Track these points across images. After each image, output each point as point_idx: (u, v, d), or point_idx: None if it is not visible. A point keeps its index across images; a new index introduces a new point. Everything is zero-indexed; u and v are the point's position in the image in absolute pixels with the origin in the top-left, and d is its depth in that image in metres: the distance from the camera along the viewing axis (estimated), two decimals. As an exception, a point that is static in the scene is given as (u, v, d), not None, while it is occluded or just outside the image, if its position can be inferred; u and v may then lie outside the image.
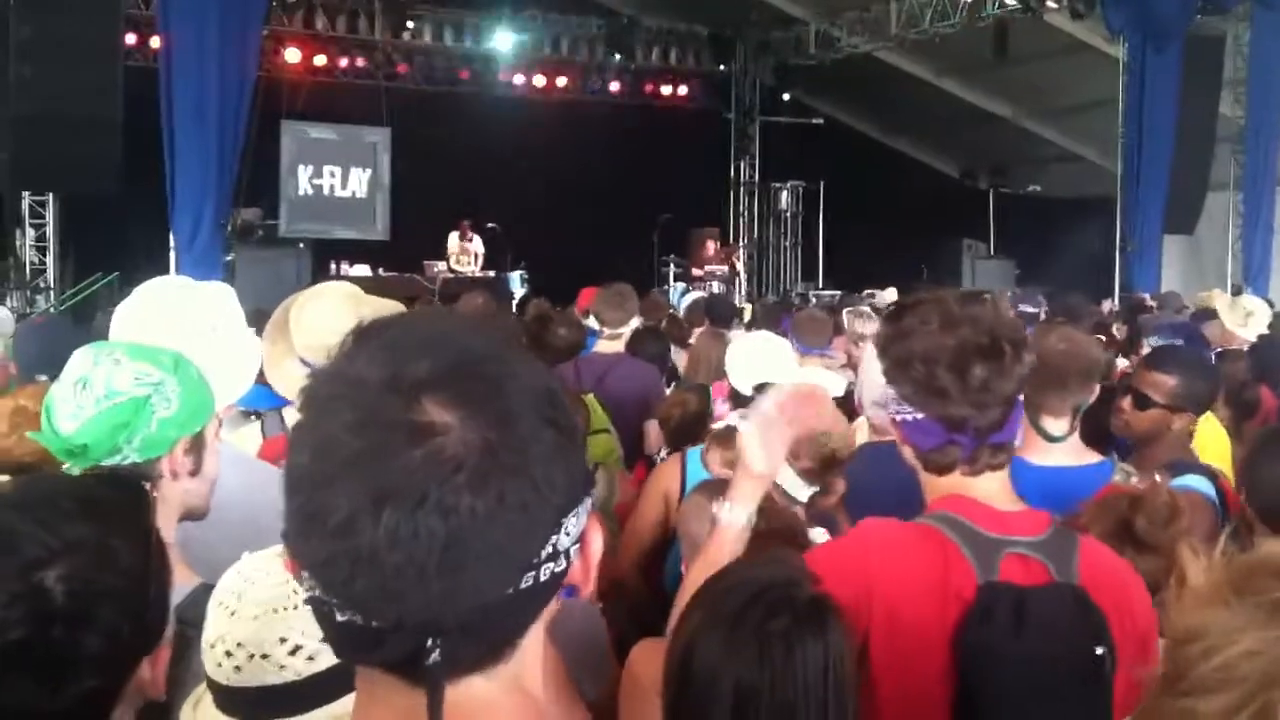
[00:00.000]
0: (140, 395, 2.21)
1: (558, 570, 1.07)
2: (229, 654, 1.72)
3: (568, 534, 1.08)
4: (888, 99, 22.39)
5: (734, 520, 2.33)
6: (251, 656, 1.71)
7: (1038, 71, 19.23)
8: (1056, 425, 3.30)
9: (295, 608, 1.72)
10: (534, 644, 1.12)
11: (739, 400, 4.39)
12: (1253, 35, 16.72)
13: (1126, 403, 3.88)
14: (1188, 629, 1.12)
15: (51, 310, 13.34)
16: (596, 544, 1.13)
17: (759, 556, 2.21)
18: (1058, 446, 3.34)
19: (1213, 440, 4.54)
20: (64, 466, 2.19)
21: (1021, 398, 2.23)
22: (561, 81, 21.11)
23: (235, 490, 2.44)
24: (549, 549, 1.06)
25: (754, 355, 4.58)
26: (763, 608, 1.86)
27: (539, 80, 20.88)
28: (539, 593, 1.07)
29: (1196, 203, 17.14)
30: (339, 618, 1.03)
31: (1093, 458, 3.45)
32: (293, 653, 1.70)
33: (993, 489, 2.23)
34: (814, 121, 22.45)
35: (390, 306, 3.77)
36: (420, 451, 0.98)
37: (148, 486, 2.20)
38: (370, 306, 3.62)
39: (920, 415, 2.21)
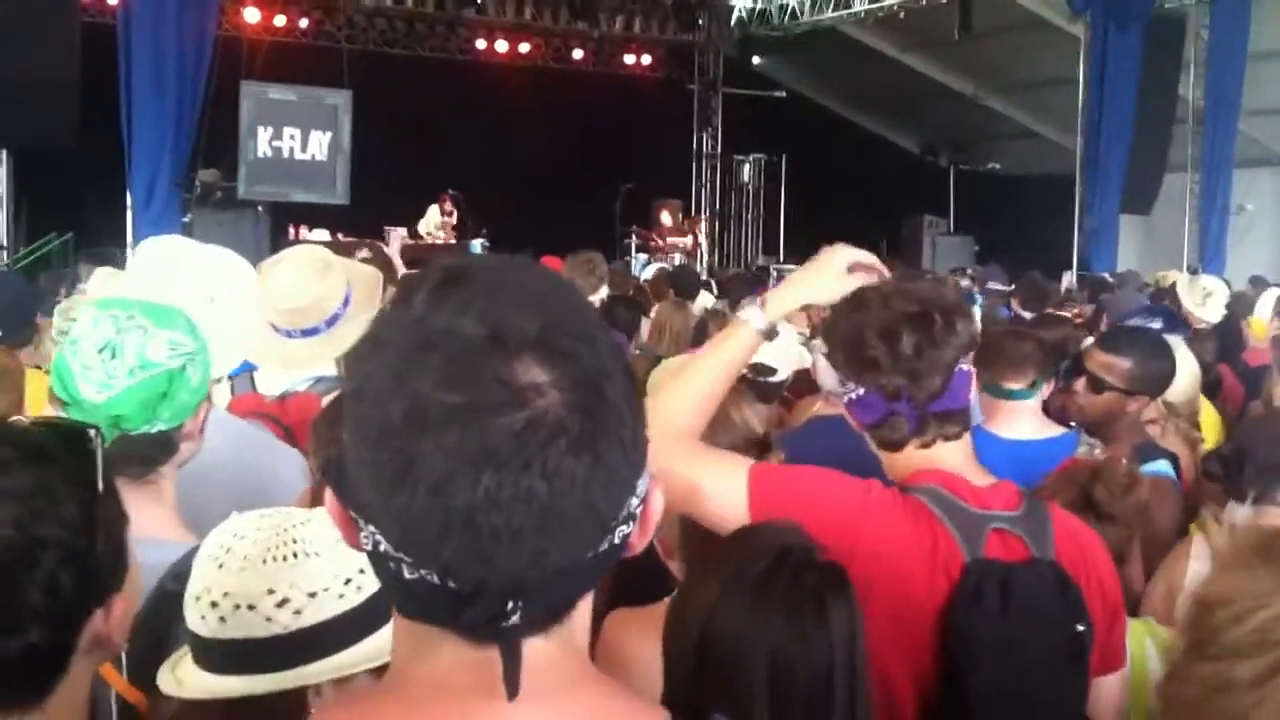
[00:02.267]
0: (175, 367, 2.20)
1: (627, 532, 1.07)
2: (214, 604, 1.70)
3: (638, 495, 1.07)
4: (850, 74, 22.47)
5: (752, 320, 2.33)
6: (237, 607, 1.68)
7: (999, 49, 19.32)
8: (1016, 379, 3.50)
9: (284, 559, 1.70)
10: (586, 605, 1.11)
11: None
12: (1213, 16, 16.80)
13: (1080, 385, 3.85)
14: (1215, 594, 1.12)
15: (4, 268, 13.13)
16: (657, 504, 1.11)
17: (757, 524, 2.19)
18: (1024, 415, 3.39)
19: (1209, 425, 4.57)
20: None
21: (968, 368, 2.22)
22: (525, 48, 20.97)
23: (220, 451, 2.42)
24: (625, 511, 1.05)
25: None
26: (789, 569, 1.84)
27: (502, 45, 20.72)
28: (612, 555, 1.06)
29: (1154, 183, 17.27)
30: (408, 575, 1.01)
31: (1057, 430, 3.49)
32: (280, 605, 1.68)
33: (957, 461, 2.23)
34: (777, 94, 22.42)
35: (360, 270, 3.75)
36: (525, 413, 0.96)
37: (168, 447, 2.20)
38: (340, 268, 3.59)
39: (860, 391, 2.21)
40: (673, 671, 1.89)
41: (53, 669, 1.45)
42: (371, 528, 1.02)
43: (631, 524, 1.07)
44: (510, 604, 1.01)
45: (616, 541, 1.06)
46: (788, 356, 4.50)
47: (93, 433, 1.53)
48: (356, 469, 1.02)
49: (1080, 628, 2.09)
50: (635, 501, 1.07)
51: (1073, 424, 3.79)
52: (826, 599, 1.82)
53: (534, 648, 1.06)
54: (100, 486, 1.49)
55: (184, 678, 1.73)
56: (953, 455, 2.23)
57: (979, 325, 2.31)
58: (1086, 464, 2.87)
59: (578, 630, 1.11)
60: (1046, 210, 18.31)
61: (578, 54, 21.42)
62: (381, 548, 1.02)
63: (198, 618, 1.71)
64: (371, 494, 1.00)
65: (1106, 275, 12.61)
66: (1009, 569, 2.10)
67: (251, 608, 1.68)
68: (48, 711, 1.44)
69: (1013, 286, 9.73)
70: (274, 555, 1.71)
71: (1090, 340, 4.24)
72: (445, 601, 1.01)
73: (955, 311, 2.20)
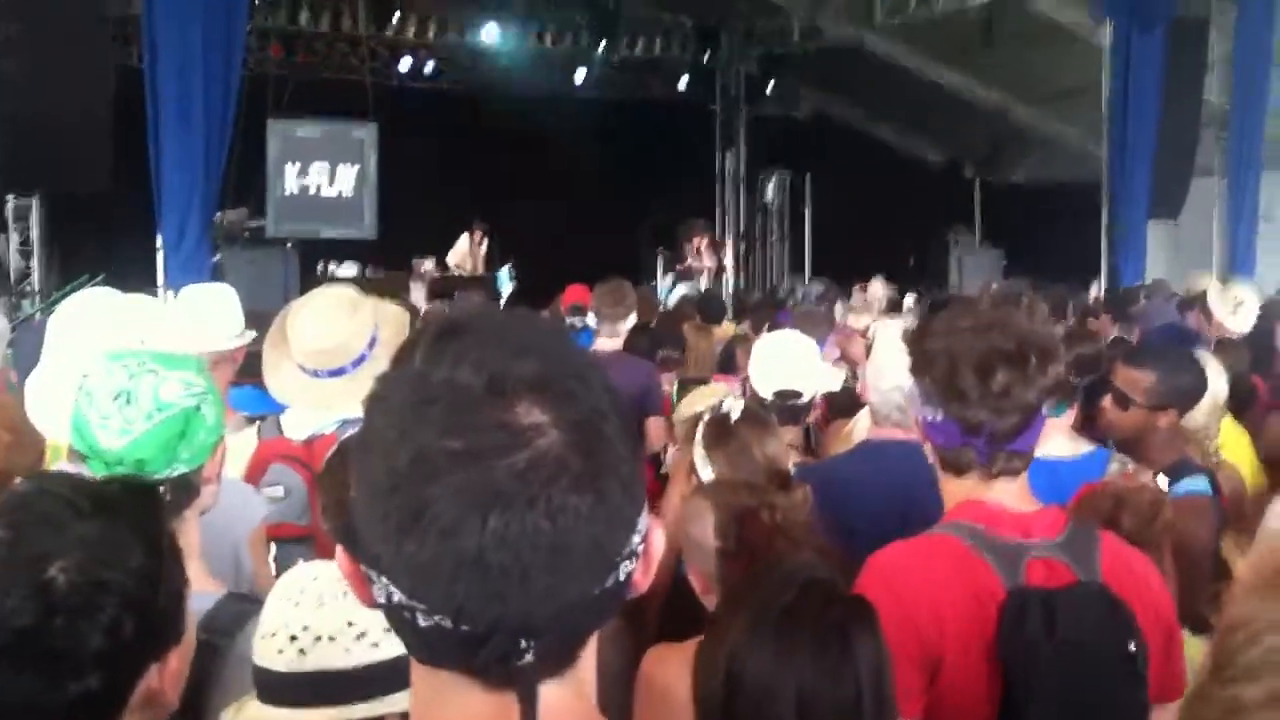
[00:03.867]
0: (190, 405, 2.24)
1: (630, 569, 1.10)
2: (293, 638, 1.73)
3: (639, 532, 1.10)
4: (873, 89, 22.35)
5: None
6: (318, 639, 1.72)
7: (1022, 58, 19.20)
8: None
9: None
10: (592, 651, 1.14)
11: (750, 399, 4.37)
12: (1238, 18, 16.70)
13: (1108, 402, 3.82)
14: (1233, 619, 1.13)
15: (38, 315, 13.23)
16: (657, 543, 1.14)
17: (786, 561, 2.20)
18: (1054, 437, 3.34)
19: (1234, 443, 4.49)
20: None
21: (1045, 410, 2.23)
22: (546, 75, 21.03)
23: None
24: (629, 547, 1.08)
25: (775, 360, 4.54)
26: (814, 603, 1.85)
27: (524, 73, 20.80)
28: (618, 592, 1.09)
29: (1181, 188, 17.12)
30: (422, 623, 1.04)
31: (1087, 447, 3.46)
32: (359, 638, 1.72)
33: (1008, 493, 2.24)
34: (799, 113, 22.39)
35: (388, 310, 3.78)
36: (526, 453, 1.00)
37: (188, 492, 2.24)
38: (368, 308, 3.62)
39: (940, 415, 2.21)
40: (703, 710, 1.90)
41: (107, 718, 1.48)
42: (384, 580, 1.05)
43: (634, 560, 1.10)
44: (523, 642, 1.04)
45: (621, 578, 1.08)
46: (811, 378, 4.51)
47: (162, 489, 1.57)
48: (366, 523, 1.05)
49: (1132, 646, 2.08)
50: (637, 539, 1.10)
51: (1107, 442, 3.77)
52: (851, 631, 1.83)
53: (548, 692, 1.08)
54: (164, 541, 1.53)
55: (252, 716, 1.76)
56: (1007, 489, 2.24)
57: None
58: (1109, 491, 2.85)
59: (587, 677, 1.14)
60: (1074, 219, 18.18)
61: (599, 79, 21.44)
62: (395, 599, 1.05)
63: (274, 652, 1.74)
64: (382, 545, 1.04)
65: (1136, 289, 12.48)
66: (1051, 593, 2.12)
67: (332, 639, 1.72)
68: None
69: (1026, 294, 9.64)
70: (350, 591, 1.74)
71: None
72: (459, 645, 1.04)
73: (1049, 354, 2.20)
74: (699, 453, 3.52)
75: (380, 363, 3.52)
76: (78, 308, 3.13)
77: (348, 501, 1.10)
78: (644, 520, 1.11)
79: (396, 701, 1.71)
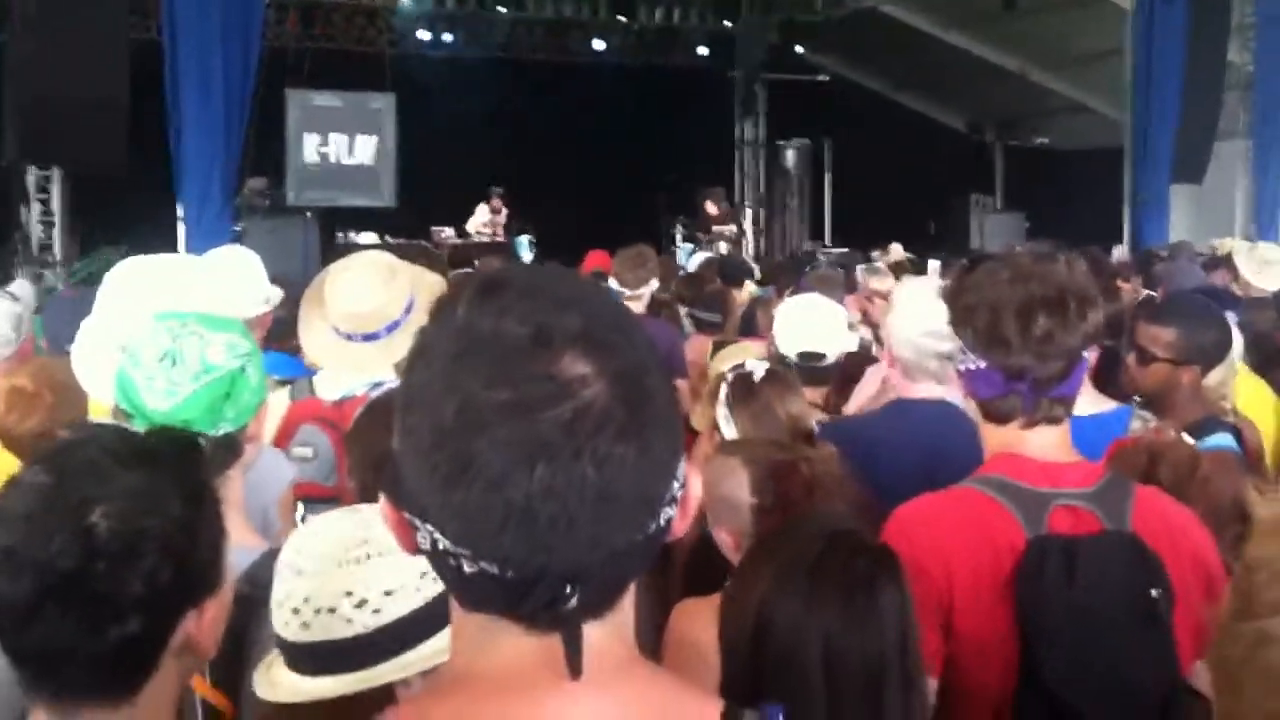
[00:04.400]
0: (235, 367, 2.25)
1: (671, 514, 1.11)
2: (295, 610, 1.74)
3: (678, 479, 1.11)
4: (893, 54, 22.25)
5: None
6: (318, 611, 1.73)
7: (1043, 23, 19.10)
8: None
9: (358, 561, 1.75)
10: (632, 593, 1.15)
11: (771, 359, 4.37)
12: (1261, -20, 16.58)
13: (1131, 359, 3.80)
14: (1254, 559, 1.14)
15: (60, 285, 13.30)
16: (695, 488, 1.15)
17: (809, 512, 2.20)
18: None
19: (1254, 396, 4.46)
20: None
21: (1087, 355, 2.23)
22: (564, 43, 20.98)
23: None
24: (670, 494, 1.09)
25: (799, 321, 4.54)
26: (841, 554, 1.86)
27: (542, 41, 20.75)
28: (659, 537, 1.10)
29: (1204, 152, 17.02)
30: (468, 569, 1.05)
31: (1109, 404, 3.43)
32: (359, 606, 1.73)
33: (1047, 442, 2.24)
34: (819, 79, 22.30)
35: (425, 276, 3.79)
36: (572, 404, 1.01)
37: (233, 449, 2.26)
38: (406, 275, 3.64)
39: (983, 364, 2.23)
40: (729, 659, 1.92)
41: (147, 663, 1.51)
42: (429, 527, 1.06)
43: (674, 507, 1.11)
44: (569, 588, 1.05)
45: (663, 524, 1.10)
46: (835, 340, 4.50)
47: (202, 440, 1.59)
48: (412, 473, 1.06)
49: (1155, 592, 2.08)
50: (677, 485, 1.11)
51: (1135, 399, 3.75)
52: (877, 583, 1.84)
53: (591, 633, 1.09)
54: (203, 493, 1.55)
55: (278, 680, 1.78)
56: (1044, 437, 2.25)
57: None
58: (1143, 445, 2.84)
59: (627, 619, 1.15)
60: (1096, 184, 18.12)
61: (618, 46, 21.37)
62: (440, 545, 1.06)
63: (282, 623, 1.76)
64: (429, 495, 1.04)
65: (1157, 248, 12.44)
66: (1073, 541, 2.12)
67: (332, 610, 1.73)
68: (139, 707, 1.51)
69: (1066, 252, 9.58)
70: (348, 557, 1.75)
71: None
72: (506, 591, 1.05)
73: (1088, 300, 2.21)
74: (722, 411, 3.51)
75: (415, 330, 3.53)
76: (127, 271, 3.15)
77: (386, 453, 1.11)
78: (682, 468, 1.12)
79: (407, 664, 1.72)
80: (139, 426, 2.17)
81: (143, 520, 1.46)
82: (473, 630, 1.12)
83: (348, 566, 1.74)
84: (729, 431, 3.42)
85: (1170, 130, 16.51)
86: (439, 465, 1.02)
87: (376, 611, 1.72)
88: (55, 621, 1.43)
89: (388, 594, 1.73)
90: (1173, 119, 16.48)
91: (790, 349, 4.41)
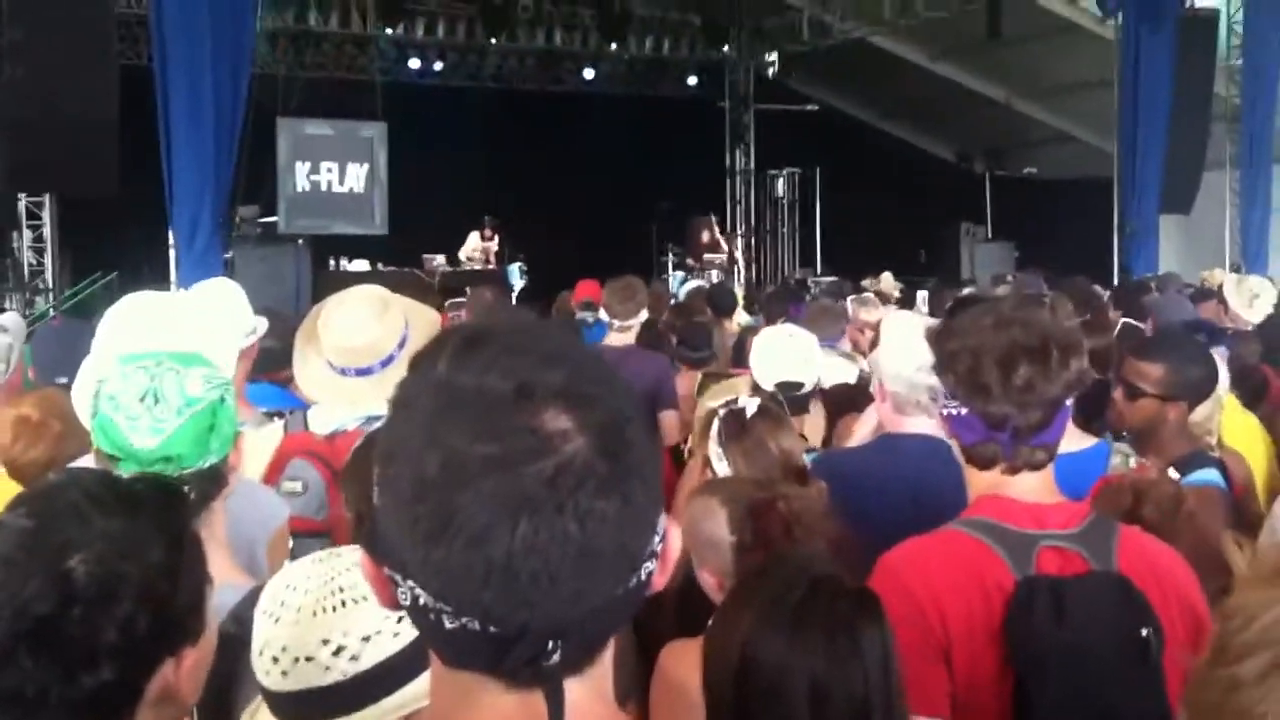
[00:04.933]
0: (215, 398, 2.27)
1: (651, 569, 1.10)
2: (275, 659, 1.74)
3: (658, 532, 1.11)
4: (882, 84, 22.41)
5: None
6: (296, 660, 1.72)
7: (1030, 53, 19.24)
8: None
9: (333, 609, 1.74)
10: (611, 650, 1.14)
11: (759, 393, 4.37)
12: (1247, 12, 16.69)
13: (1118, 394, 3.80)
14: (1229, 609, 1.17)
15: (51, 311, 13.30)
16: (675, 542, 1.15)
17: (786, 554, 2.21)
18: None
19: (1243, 430, 4.46)
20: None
21: (1069, 403, 2.24)
22: (555, 72, 21.06)
23: None
24: (650, 547, 1.09)
25: (776, 352, 4.56)
26: (824, 598, 1.87)
27: (533, 71, 20.83)
28: (639, 592, 1.10)
29: (1193, 182, 17.10)
30: (449, 625, 1.04)
31: (1088, 441, 3.42)
32: (336, 653, 1.72)
33: (1030, 485, 2.25)
34: (809, 108, 22.40)
35: (419, 309, 3.79)
36: (554, 459, 1.01)
37: (216, 481, 2.26)
38: (399, 308, 3.64)
39: (964, 410, 2.23)
40: (713, 699, 1.91)
41: (123, 711, 1.49)
42: (410, 583, 1.05)
43: (654, 561, 1.11)
44: (551, 644, 1.04)
45: (643, 578, 1.09)
46: (810, 368, 4.51)
47: (186, 488, 1.59)
48: (393, 527, 1.05)
49: (1145, 632, 2.09)
50: (657, 539, 1.10)
51: (1108, 433, 3.75)
52: (858, 626, 1.84)
53: (572, 689, 1.09)
54: (186, 539, 1.54)
55: None
56: (1027, 481, 2.26)
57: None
58: (1127, 483, 2.84)
59: (607, 674, 1.15)
60: (1085, 214, 18.18)
61: (609, 76, 21.46)
62: (421, 600, 1.05)
63: (263, 671, 1.75)
64: (410, 550, 1.04)
65: (1147, 277, 12.49)
66: (1061, 581, 2.13)
67: (310, 659, 1.72)
68: None
69: (1050, 294, 9.62)
70: (323, 606, 1.75)
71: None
72: (488, 647, 1.05)
73: (1071, 349, 2.22)
74: (714, 448, 3.50)
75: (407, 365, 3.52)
76: (125, 309, 3.16)
77: (370, 506, 1.10)
78: (662, 520, 1.11)
79: (386, 710, 1.72)
80: (125, 469, 2.18)
81: (121, 566, 1.45)
82: (453, 688, 1.11)
83: (323, 615, 1.74)
84: (721, 469, 3.42)
85: (1158, 160, 16.59)
86: (419, 520, 1.02)
87: (354, 658, 1.72)
88: (28, 666, 1.42)
89: (365, 640, 1.72)
90: (1160, 149, 16.55)
91: (767, 380, 4.42)
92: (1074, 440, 3.35)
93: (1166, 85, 16.32)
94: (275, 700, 1.76)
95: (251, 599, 2.02)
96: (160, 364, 2.29)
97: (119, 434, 2.23)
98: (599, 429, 1.03)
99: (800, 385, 4.41)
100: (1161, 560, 2.28)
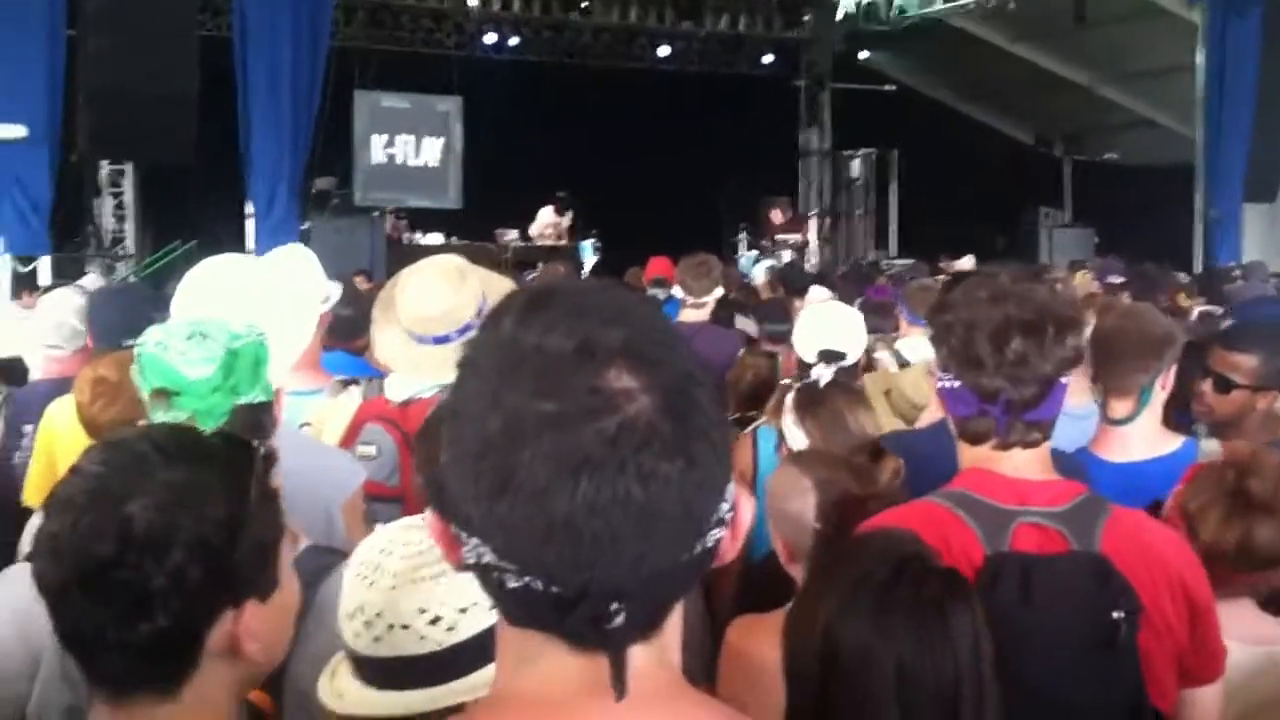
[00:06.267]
0: (258, 340, 2.30)
1: (719, 537, 1.09)
2: (368, 624, 1.72)
3: (728, 500, 1.09)
4: (961, 65, 22.11)
5: None
6: (391, 627, 1.71)
7: (1113, 37, 18.91)
8: (1119, 407, 3.17)
9: (434, 578, 1.72)
10: (678, 617, 1.13)
11: (804, 368, 4.34)
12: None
13: (1208, 386, 3.73)
14: None
15: (131, 278, 13.50)
16: (746, 512, 1.13)
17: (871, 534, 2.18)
18: (1133, 436, 3.17)
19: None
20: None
21: (1064, 380, 2.20)
22: (630, 49, 21.02)
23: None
24: (718, 515, 1.07)
25: (820, 323, 4.54)
26: (910, 578, 1.83)
27: (608, 47, 20.81)
28: (706, 559, 1.08)
29: (1277, 170, 16.80)
30: (511, 584, 1.04)
31: (1174, 443, 3.30)
32: (433, 623, 1.70)
33: (1022, 460, 2.21)
34: (886, 88, 22.20)
35: (495, 279, 3.80)
36: (616, 418, 1.00)
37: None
38: (476, 278, 3.65)
39: (957, 383, 2.20)
40: (796, 682, 1.88)
41: (183, 658, 1.50)
42: (475, 540, 1.05)
43: (723, 529, 1.09)
44: (614, 606, 1.03)
45: (710, 545, 1.08)
46: (855, 340, 4.48)
47: (256, 443, 1.60)
48: (457, 485, 1.05)
49: (1117, 614, 2.04)
50: (726, 506, 1.09)
51: (1194, 428, 3.68)
52: (947, 607, 1.80)
53: (636, 654, 1.08)
54: (254, 494, 1.54)
55: (344, 690, 1.77)
56: (1019, 459, 2.22)
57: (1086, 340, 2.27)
58: (1226, 461, 2.76)
59: (672, 643, 1.14)
60: (1167, 201, 17.89)
61: (683, 54, 21.39)
62: (485, 559, 1.05)
63: (352, 635, 1.74)
64: (473, 507, 1.04)
65: (1232, 265, 12.28)
66: (1032, 559, 2.09)
67: (405, 627, 1.71)
68: (183, 704, 1.51)
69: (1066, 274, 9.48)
70: (422, 574, 1.73)
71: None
72: (550, 607, 1.04)
73: (1069, 325, 2.18)
74: (789, 421, 3.48)
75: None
76: (201, 273, 3.19)
77: (437, 462, 1.10)
78: (732, 488, 1.10)
79: (478, 684, 1.69)
80: (185, 404, 2.20)
81: (178, 515, 1.46)
82: (517, 647, 1.11)
83: (423, 583, 1.72)
84: (797, 442, 3.39)
85: (1243, 147, 16.32)
86: (482, 476, 1.02)
87: (450, 629, 1.70)
88: (84, 606, 1.45)
89: (462, 611, 1.70)
90: (1245, 136, 16.29)
91: (809, 350, 4.38)
92: (1161, 442, 3.26)
93: (1253, 70, 16.04)
94: (363, 664, 1.75)
95: (304, 558, 2.03)
96: (197, 324, 2.34)
97: (173, 369, 2.25)
98: (663, 390, 1.02)
99: (843, 355, 4.35)
100: (1153, 542, 2.23)
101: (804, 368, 4.39)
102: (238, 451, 1.60)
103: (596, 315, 1.05)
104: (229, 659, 1.53)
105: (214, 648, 1.51)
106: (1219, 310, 7.40)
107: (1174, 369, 3.19)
